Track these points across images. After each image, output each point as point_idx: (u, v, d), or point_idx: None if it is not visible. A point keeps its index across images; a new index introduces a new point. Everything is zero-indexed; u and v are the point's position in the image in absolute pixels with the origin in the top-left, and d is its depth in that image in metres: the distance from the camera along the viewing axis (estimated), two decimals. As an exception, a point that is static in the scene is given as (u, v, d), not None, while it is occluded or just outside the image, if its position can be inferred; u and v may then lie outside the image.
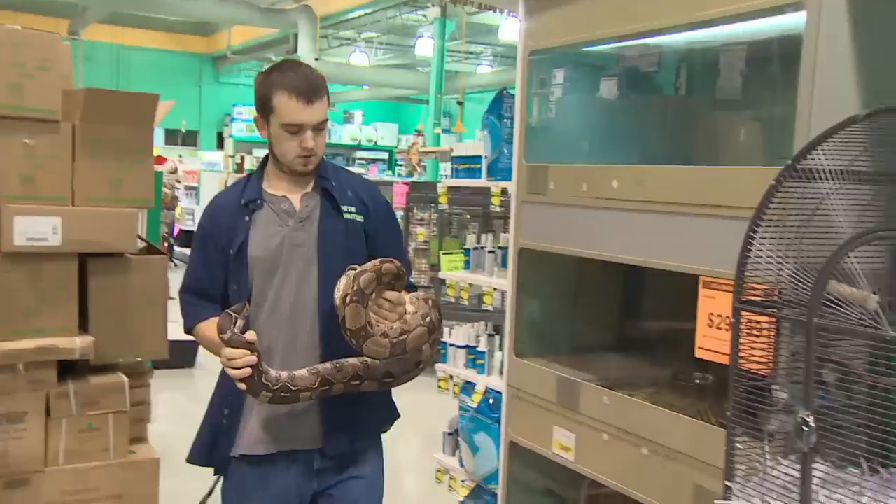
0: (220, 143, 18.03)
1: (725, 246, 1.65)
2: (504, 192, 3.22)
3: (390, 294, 2.01)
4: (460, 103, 11.85)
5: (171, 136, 17.79)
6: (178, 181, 13.11)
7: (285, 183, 2.14)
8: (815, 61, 1.63)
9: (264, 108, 2.08)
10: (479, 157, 3.40)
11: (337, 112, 17.39)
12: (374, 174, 15.73)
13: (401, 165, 15.92)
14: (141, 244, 2.78)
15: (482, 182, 3.42)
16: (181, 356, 6.34)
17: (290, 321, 2.08)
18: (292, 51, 13.43)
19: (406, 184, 7.90)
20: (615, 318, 2.71)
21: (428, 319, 2.02)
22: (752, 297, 1.53)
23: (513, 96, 2.77)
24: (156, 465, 2.58)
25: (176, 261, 12.43)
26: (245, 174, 2.33)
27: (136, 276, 2.61)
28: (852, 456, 1.43)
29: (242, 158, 13.88)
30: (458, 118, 11.80)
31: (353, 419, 2.12)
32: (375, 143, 17.61)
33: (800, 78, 1.64)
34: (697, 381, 2.27)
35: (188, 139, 18.20)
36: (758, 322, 1.54)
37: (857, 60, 1.65)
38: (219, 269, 2.11)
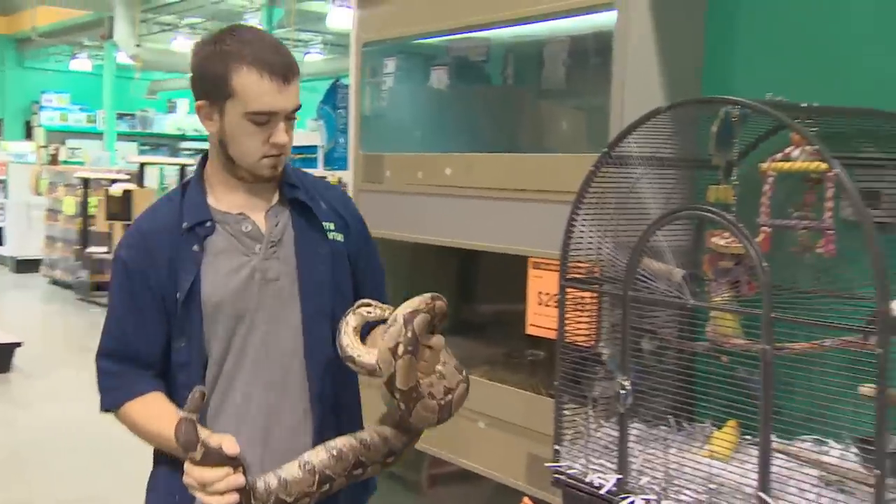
0: (29, 133, 16.77)
1: (551, 228, 1.76)
2: (341, 181, 3.25)
3: (435, 340, 1.50)
4: (290, 92, 11.65)
5: (-30, 125, 16.36)
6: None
7: (241, 195, 1.59)
8: (625, 57, 1.78)
9: (217, 92, 1.51)
10: (315, 146, 3.40)
11: (160, 101, 16.64)
12: (201, 165, 15.17)
13: (229, 156, 15.43)
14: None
15: (319, 171, 3.43)
16: (-6, 361, 5.91)
17: (265, 387, 1.57)
18: (108, 35, 12.70)
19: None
20: (451, 301, 2.80)
21: (464, 373, 1.56)
22: (576, 275, 1.66)
23: (346, 87, 2.80)
24: (-26, 476, 2.42)
25: (-18, 260, 11.49)
26: (176, 185, 1.69)
27: (-55, 275, 2.42)
28: (663, 415, 1.59)
29: (57, 149, 13.00)
30: (289, 107, 11.61)
31: (351, 495, 1.65)
32: (201, 133, 17.01)
33: (612, 71, 1.79)
34: (530, 358, 2.41)
35: (-9, 128, 16.79)
36: (582, 298, 1.67)
37: (660, 57, 1.82)
38: (155, 322, 1.54)
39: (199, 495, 1.38)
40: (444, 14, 2.24)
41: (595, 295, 1.65)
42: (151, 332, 1.55)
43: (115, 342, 1.57)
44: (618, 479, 1.53)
